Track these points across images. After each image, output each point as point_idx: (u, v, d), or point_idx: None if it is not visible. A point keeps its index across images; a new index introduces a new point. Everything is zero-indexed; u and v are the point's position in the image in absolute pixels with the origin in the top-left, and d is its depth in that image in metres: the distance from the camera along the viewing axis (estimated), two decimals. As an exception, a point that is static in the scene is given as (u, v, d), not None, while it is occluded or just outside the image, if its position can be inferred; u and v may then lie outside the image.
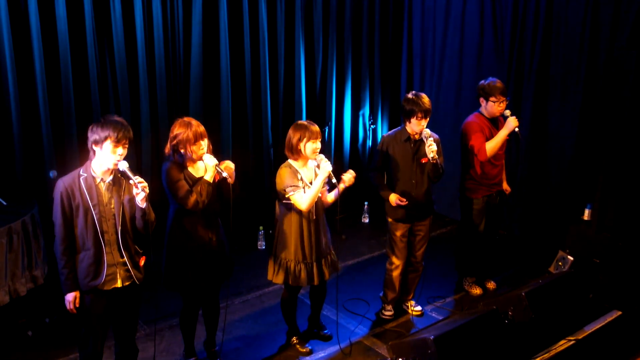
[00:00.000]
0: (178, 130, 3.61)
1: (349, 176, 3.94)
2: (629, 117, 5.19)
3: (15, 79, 4.84)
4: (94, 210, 3.25)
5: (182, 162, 3.66)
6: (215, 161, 3.59)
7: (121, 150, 3.22)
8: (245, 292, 5.19)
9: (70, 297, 3.33)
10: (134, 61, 5.41)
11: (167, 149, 3.69)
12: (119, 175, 3.33)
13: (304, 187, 3.88)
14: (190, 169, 3.68)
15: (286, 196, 3.86)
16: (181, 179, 3.61)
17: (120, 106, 5.43)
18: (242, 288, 5.25)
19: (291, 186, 3.84)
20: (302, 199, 3.82)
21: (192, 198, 3.55)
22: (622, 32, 5.22)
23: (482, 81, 4.75)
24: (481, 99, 4.73)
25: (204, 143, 3.63)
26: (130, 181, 3.23)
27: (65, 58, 5.03)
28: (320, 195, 3.97)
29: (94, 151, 3.24)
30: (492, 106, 4.67)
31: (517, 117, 4.64)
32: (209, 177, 3.59)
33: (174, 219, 3.73)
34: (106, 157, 3.21)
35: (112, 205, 3.31)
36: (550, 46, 5.76)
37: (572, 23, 5.56)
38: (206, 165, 3.60)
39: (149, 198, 3.34)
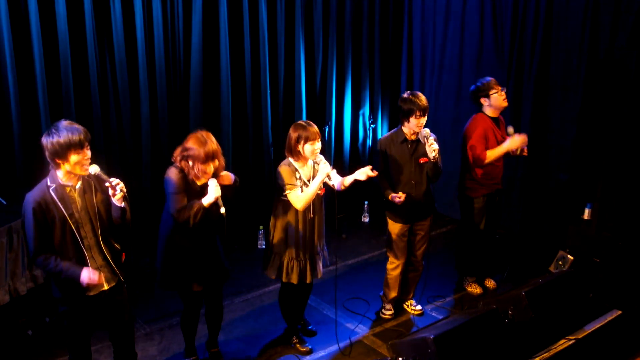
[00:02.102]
0: (192, 145, 3.51)
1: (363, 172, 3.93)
2: (628, 117, 5.20)
3: (15, 78, 4.84)
4: (70, 219, 3.15)
5: (190, 175, 3.58)
6: (218, 193, 3.52)
7: (88, 154, 3.11)
8: (245, 291, 5.20)
9: (85, 274, 3.13)
10: (134, 61, 5.41)
11: (177, 154, 3.60)
12: (88, 178, 3.23)
13: (301, 186, 3.89)
14: (197, 181, 3.64)
15: (284, 194, 3.87)
16: (182, 191, 3.54)
17: (120, 106, 5.43)
18: (243, 287, 5.25)
19: (289, 184, 3.86)
20: (298, 198, 3.83)
21: (185, 215, 3.50)
22: (622, 32, 5.22)
23: (473, 86, 4.78)
24: (482, 99, 4.72)
25: (213, 166, 3.55)
26: (106, 184, 3.14)
27: (65, 58, 5.03)
28: (319, 193, 3.98)
29: (58, 164, 3.09)
30: (497, 99, 4.68)
31: (520, 132, 4.70)
32: (206, 202, 3.51)
33: (170, 220, 3.68)
34: (75, 166, 3.09)
35: (88, 210, 3.22)
36: (550, 46, 5.76)
37: (572, 23, 5.56)
38: (209, 193, 3.53)
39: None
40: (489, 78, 4.73)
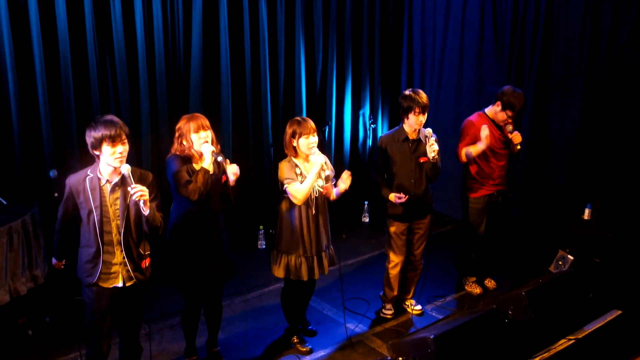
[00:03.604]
0: (180, 122, 3.66)
1: (345, 179, 3.98)
2: (629, 117, 5.19)
3: (15, 78, 4.85)
4: (95, 211, 3.25)
5: (186, 156, 3.66)
6: (212, 147, 3.59)
7: (121, 148, 3.19)
8: (245, 291, 5.19)
9: (54, 261, 3.54)
10: (134, 61, 5.42)
11: (173, 144, 3.71)
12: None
13: (301, 181, 3.90)
14: (194, 165, 3.68)
15: (283, 188, 3.90)
16: (182, 170, 3.61)
17: (120, 106, 5.43)
18: (242, 287, 5.24)
19: (287, 178, 3.87)
20: (296, 191, 3.84)
21: (191, 186, 3.55)
22: (622, 32, 5.22)
23: (510, 87, 4.68)
24: (497, 103, 4.69)
25: (205, 134, 3.63)
26: (129, 188, 3.20)
27: (65, 58, 5.03)
28: (322, 190, 4.00)
29: (97, 155, 3.24)
30: (503, 116, 4.66)
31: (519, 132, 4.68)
32: (206, 164, 3.59)
33: (175, 216, 3.74)
34: (108, 158, 3.20)
35: (117, 207, 3.30)
36: (551, 46, 5.76)
37: (572, 23, 5.56)
38: (204, 154, 3.60)
39: (157, 200, 3.37)
40: (522, 95, 4.62)
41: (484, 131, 4.51)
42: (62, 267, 3.58)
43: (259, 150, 6.35)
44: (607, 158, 5.16)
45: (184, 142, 3.64)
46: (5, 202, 4.47)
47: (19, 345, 4.30)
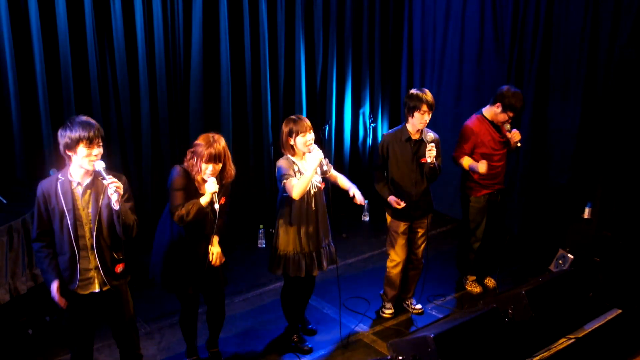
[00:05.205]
0: (199, 142, 3.55)
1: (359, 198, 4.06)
2: (629, 116, 5.20)
3: (16, 78, 4.86)
4: (68, 215, 3.17)
5: (192, 172, 3.61)
6: (215, 188, 3.50)
7: (97, 151, 3.13)
8: (245, 290, 5.20)
9: (55, 285, 3.20)
10: (134, 61, 5.42)
11: (187, 155, 3.64)
12: (100, 179, 3.22)
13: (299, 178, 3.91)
14: (197, 185, 3.64)
15: (280, 184, 3.90)
16: (182, 188, 3.57)
17: (120, 106, 5.44)
18: (243, 286, 5.26)
19: (285, 174, 3.87)
20: (294, 186, 3.83)
21: (180, 211, 3.50)
22: (623, 31, 5.22)
23: (508, 87, 4.66)
24: (497, 104, 4.67)
25: (213, 168, 3.53)
26: (104, 181, 3.12)
27: (65, 57, 5.04)
28: (320, 186, 4.01)
29: (69, 156, 3.15)
30: (504, 118, 4.66)
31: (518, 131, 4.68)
32: (203, 201, 3.53)
33: (167, 216, 3.72)
34: (82, 160, 3.12)
35: (89, 210, 3.22)
36: (551, 46, 5.76)
37: (573, 22, 5.56)
38: (206, 189, 3.53)
39: (131, 202, 3.31)
40: (520, 95, 4.61)
41: (483, 167, 4.51)
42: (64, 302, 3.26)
43: (259, 150, 6.35)
44: (607, 157, 5.16)
45: (195, 160, 3.56)
46: (5, 201, 4.47)
47: (19, 345, 4.30)
